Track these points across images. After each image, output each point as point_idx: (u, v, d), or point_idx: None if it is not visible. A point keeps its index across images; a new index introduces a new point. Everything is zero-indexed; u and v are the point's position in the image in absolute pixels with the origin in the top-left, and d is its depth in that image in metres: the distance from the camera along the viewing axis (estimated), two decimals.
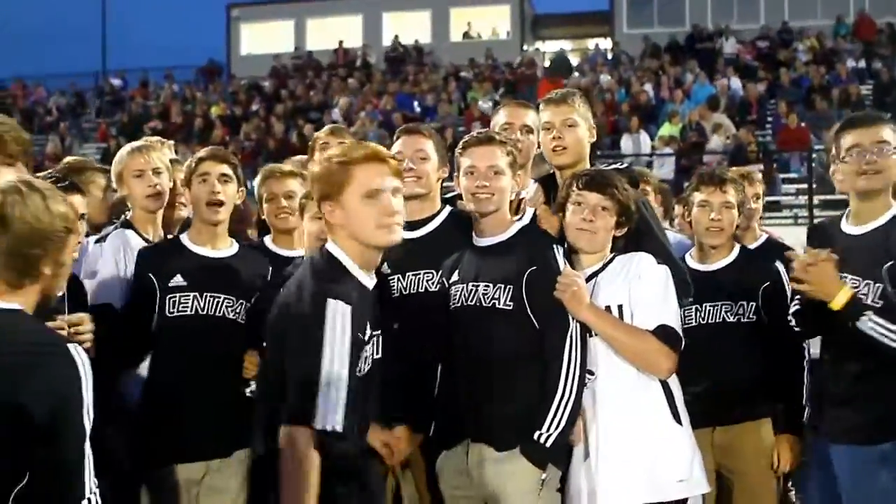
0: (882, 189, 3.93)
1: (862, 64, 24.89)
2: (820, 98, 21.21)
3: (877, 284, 3.77)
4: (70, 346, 2.65)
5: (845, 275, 3.77)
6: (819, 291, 3.68)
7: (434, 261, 4.07)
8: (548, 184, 4.39)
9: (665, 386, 3.73)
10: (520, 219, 4.00)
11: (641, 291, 3.73)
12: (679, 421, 3.73)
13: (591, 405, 3.72)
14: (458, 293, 3.90)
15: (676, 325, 3.74)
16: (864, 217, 3.98)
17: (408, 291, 4.10)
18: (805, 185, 17.59)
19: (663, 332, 3.67)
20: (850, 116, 4.18)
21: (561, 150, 4.22)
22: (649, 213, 4.12)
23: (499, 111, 4.67)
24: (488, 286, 3.80)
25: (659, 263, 3.80)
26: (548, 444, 3.58)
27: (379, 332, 3.29)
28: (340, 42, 32.55)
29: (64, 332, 3.21)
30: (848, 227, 4.04)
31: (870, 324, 3.62)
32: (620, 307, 3.73)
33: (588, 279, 3.79)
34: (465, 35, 35.46)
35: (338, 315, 3.02)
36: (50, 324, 3.12)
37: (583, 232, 3.80)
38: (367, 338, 3.16)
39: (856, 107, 20.45)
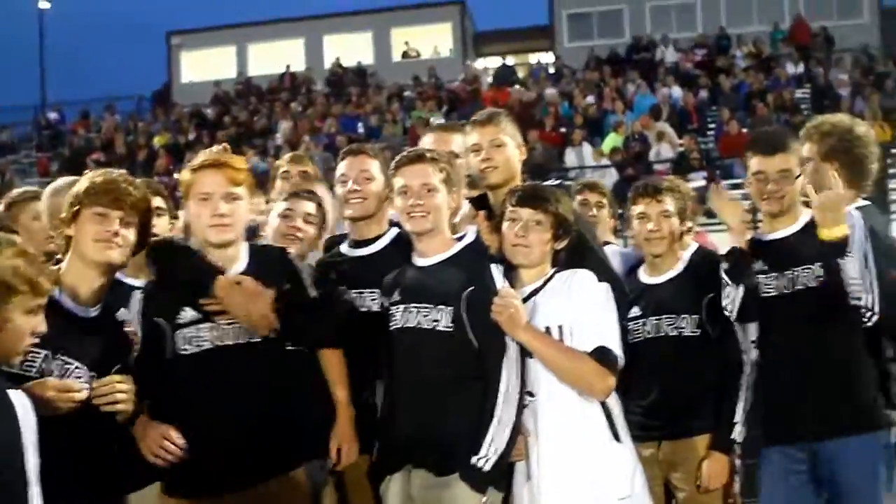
0: (787, 208, 4.20)
1: (800, 69, 25.28)
2: (760, 103, 21.47)
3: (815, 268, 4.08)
4: (11, 392, 2.55)
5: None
6: (829, 218, 3.87)
7: (377, 281, 4.04)
8: (483, 204, 4.39)
9: (604, 404, 3.72)
10: (461, 237, 3.96)
11: (581, 311, 3.72)
12: (618, 438, 3.72)
13: (532, 426, 3.70)
14: (398, 314, 3.84)
15: (615, 344, 3.72)
16: (776, 224, 4.26)
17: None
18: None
19: (600, 354, 3.66)
20: (757, 136, 4.43)
21: (491, 169, 4.26)
22: (584, 227, 4.15)
23: (427, 135, 4.75)
24: (428, 308, 3.75)
25: (599, 280, 3.80)
26: (485, 469, 3.53)
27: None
28: (288, 66, 32.43)
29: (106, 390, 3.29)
30: (768, 235, 4.30)
31: (850, 265, 3.83)
32: (560, 327, 3.72)
33: (528, 297, 3.79)
34: (407, 55, 35.49)
35: None
36: (96, 382, 3.28)
37: (518, 248, 3.81)
38: None
39: (794, 111, 20.75)
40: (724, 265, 4.13)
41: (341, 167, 4.27)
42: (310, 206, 4.43)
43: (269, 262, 3.83)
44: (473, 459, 3.53)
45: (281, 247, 4.07)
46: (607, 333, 3.71)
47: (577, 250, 3.95)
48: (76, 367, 3.37)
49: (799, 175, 4.21)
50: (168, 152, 25.17)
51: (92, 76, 58.73)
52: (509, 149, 4.31)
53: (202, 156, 3.80)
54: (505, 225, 3.86)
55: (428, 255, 3.88)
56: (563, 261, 3.91)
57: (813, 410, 4.03)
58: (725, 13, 31.47)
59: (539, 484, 3.66)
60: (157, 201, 4.16)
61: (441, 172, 3.86)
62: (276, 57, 34.22)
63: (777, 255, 4.19)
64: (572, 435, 3.67)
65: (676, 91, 23.82)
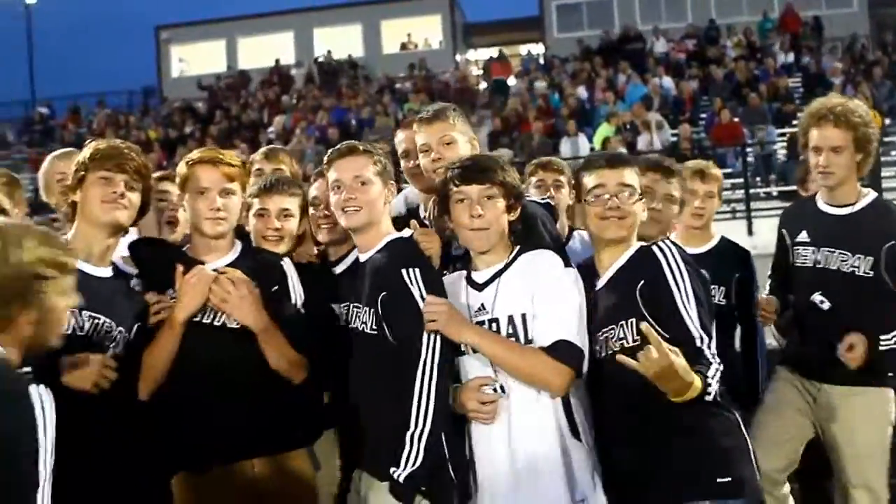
0: (627, 236, 3.63)
1: (790, 57, 25.31)
2: (751, 92, 21.50)
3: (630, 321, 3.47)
4: (33, 389, 2.55)
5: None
6: (673, 388, 3.16)
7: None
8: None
9: (565, 400, 3.46)
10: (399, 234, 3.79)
11: (545, 299, 3.44)
12: (578, 437, 3.47)
13: (505, 421, 3.47)
14: (349, 315, 3.77)
15: (577, 337, 3.41)
16: (605, 266, 3.68)
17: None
18: (741, 180, 17.78)
19: (559, 348, 3.37)
20: (592, 156, 4.10)
21: (441, 170, 3.90)
22: (528, 212, 3.83)
23: (398, 133, 4.48)
24: (362, 309, 3.64)
25: (566, 266, 3.53)
26: (401, 480, 3.33)
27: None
28: (277, 60, 32.36)
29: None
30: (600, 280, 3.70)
31: (712, 386, 3.22)
32: (524, 315, 3.46)
33: (492, 279, 3.56)
34: (406, 46, 35.40)
35: None
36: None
37: (476, 232, 3.54)
38: None
39: (785, 99, 20.80)
40: None
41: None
42: (285, 201, 4.20)
43: (259, 265, 3.87)
44: (392, 470, 3.36)
45: (277, 254, 4.05)
46: (570, 325, 3.41)
47: (522, 234, 3.69)
48: (105, 322, 3.55)
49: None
50: (161, 147, 25.13)
51: (81, 71, 58.51)
52: (460, 145, 4.04)
53: (198, 152, 3.90)
54: (454, 209, 3.57)
55: (364, 252, 3.74)
56: (521, 236, 3.65)
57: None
58: (715, 3, 31.47)
59: (516, 481, 3.45)
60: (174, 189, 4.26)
61: (376, 165, 3.69)
62: (265, 50, 34.15)
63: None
64: (527, 430, 3.43)
65: (667, 81, 23.84)
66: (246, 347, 3.70)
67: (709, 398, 3.21)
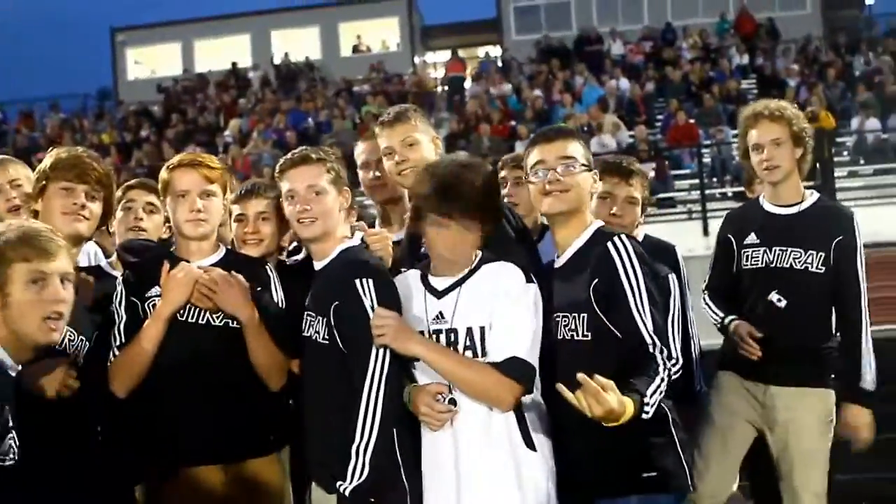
0: (570, 210, 3.54)
1: (745, 59, 25.59)
2: (706, 94, 21.70)
3: (582, 315, 3.43)
4: None
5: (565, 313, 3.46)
6: (612, 416, 3.06)
7: None
8: None
9: (518, 410, 3.39)
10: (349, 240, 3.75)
11: (502, 315, 3.36)
12: (532, 447, 3.40)
13: (450, 429, 3.40)
14: (304, 323, 3.71)
15: (530, 354, 3.35)
16: (562, 246, 3.61)
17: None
18: (697, 181, 17.94)
19: (512, 365, 3.31)
20: (538, 131, 3.89)
21: (408, 171, 3.94)
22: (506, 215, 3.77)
23: (358, 144, 4.44)
24: (315, 318, 3.60)
25: (528, 281, 3.43)
26: (346, 494, 3.30)
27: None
28: (234, 63, 32.20)
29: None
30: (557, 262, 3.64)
31: (650, 404, 3.18)
32: (482, 328, 3.39)
33: (452, 287, 3.48)
34: (358, 49, 35.39)
35: None
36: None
37: (443, 255, 3.47)
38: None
39: (740, 101, 21.01)
40: None
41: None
42: (262, 204, 4.20)
43: (244, 266, 3.89)
44: (339, 483, 3.33)
45: (262, 259, 4.07)
46: (524, 342, 3.35)
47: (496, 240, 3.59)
48: (68, 331, 3.54)
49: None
50: (116, 151, 24.93)
51: (35, 74, 57.88)
52: (423, 146, 4.03)
53: (179, 156, 3.96)
54: (428, 230, 3.47)
55: (318, 260, 3.70)
56: (487, 247, 3.55)
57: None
58: (671, 5, 31.72)
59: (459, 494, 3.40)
60: (152, 199, 4.41)
61: (329, 173, 3.64)
62: (222, 52, 33.99)
63: None
64: (475, 439, 3.37)
65: (624, 83, 24.00)
66: (227, 346, 3.72)
67: (646, 416, 3.16)
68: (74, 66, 56.06)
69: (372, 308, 3.41)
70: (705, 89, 22.39)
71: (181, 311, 3.73)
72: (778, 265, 4.52)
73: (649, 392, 3.19)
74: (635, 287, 3.37)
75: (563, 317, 3.47)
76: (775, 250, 4.53)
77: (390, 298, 3.47)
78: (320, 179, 3.62)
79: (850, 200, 18.62)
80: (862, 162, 20.03)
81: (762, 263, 4.57)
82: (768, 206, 4.63)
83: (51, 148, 3.94)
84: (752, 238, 4.62)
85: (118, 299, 3.81)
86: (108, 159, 23.19)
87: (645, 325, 3.33)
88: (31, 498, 3.25)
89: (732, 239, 4.70)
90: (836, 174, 18.00)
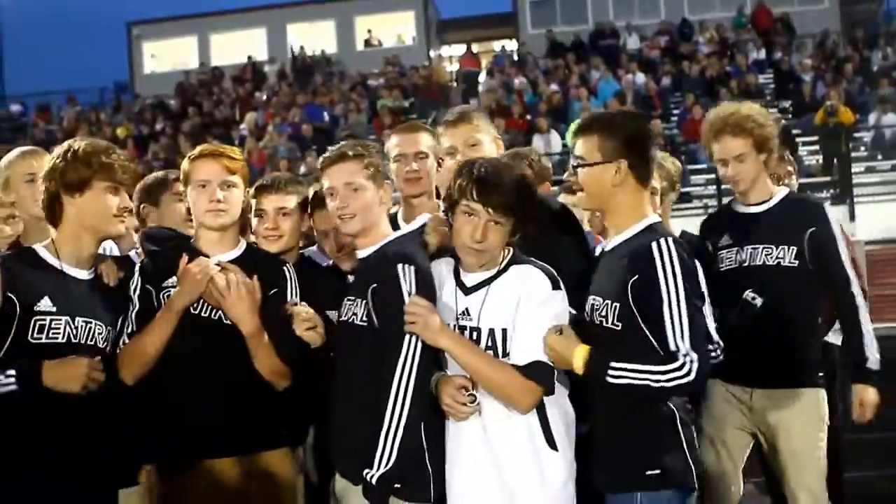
0: (595, 209, 3.85)
1: (762, 54, 25.48)
2: (723, 89, 21.63)
3: (615, 305, 3.46)
4: None
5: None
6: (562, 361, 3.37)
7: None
8: None
9: (540, 410, 3.45)
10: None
11: (526, 318, 3.43)
12: (554, 446, 3.46)
13: (480, 430, 3.46)
14: (343, 309, 3.75)
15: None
16: (613, 234, 3.66)
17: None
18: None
19: (533, 369, 3.38)
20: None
21: None
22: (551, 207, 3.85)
23: (391, 137, 4.36)
24: (354, 301, 3.64)
25: (554, 288, 3.47)
26: (373, 482, 3.34)
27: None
28: (250, 57, 32.26)
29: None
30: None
31: (614, 376, 3.29)
32: (505, 330, 3.45)
33: (480, 286, 3.53)
34: (369, 43, 35.38)
35: None
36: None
37: (472, 250, 3.48)
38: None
39: (756, 96, 20.94)
40: None
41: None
42: (282, 199, 4.22)
43: (262, 265, 3.89)
44: (365, 472, 3.36)
45: (284, 260, 4.05)
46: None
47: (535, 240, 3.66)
48: (96, 324, 3.63)
49: None
50: (133, 144, 25.02)
51: (52, 68, 58.10)
52: (485, 146, 4.05)
53: (200, 146, 3.99)
54: (458, 218, 3.50)
55: (363, 249, 3.73)
56: (518, 244, 3.60)
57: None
58: (688, 0, 31.62)
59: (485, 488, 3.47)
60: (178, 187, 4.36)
61: (367, 169, 3.65)
62: (238, 46, 34.02)
63: None
64: (498, 435, 3.44)
65: (640, 77, 23.94)
66: (238, 343, 3.72)
67: (611, 381, 3.27)
68: (91, 60, 56.20)
69: (409, 294, 3.45)
70: (722, 84, 22.30)
71: (195, 305, 3.75)
72: (751, 263, 4.51)
73: (624, 365, 3.27)
74: (672, 293, 3.34)
75: (597, 300, 3.50)
76: (747, 249, 4.52)
77: (428, 290, 3.51)
78: (358, 176, 3.65)
79: (867, 196, 18.61)
80: (879, 157, 19.95)
81: (735, 263, 4.55)
82: (738, 207, 4.66)
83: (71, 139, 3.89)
84: (725, 239, 4.62)
85: (133, 286, 3.84)
86: (124, 152, 23.33)
87: (673, 328, 3.31)
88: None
89: (709, 244, 4.68)
90: (853, 170, 17.96)
